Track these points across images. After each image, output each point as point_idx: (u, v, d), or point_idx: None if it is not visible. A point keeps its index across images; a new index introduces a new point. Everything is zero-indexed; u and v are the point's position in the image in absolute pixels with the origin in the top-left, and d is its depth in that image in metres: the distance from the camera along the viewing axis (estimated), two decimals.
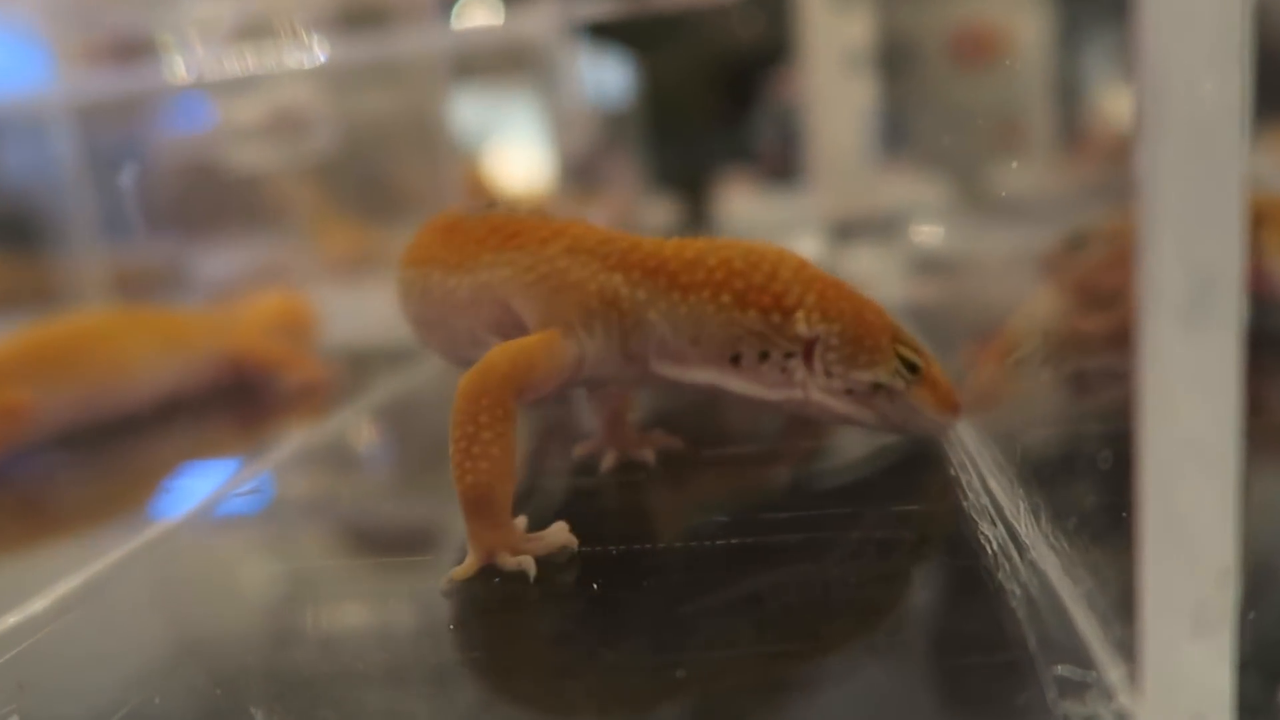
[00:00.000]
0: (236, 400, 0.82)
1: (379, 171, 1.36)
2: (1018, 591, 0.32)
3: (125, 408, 0.74)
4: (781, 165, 1.66)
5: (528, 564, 0.37)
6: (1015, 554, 0.34)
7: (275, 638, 0.38)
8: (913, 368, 0.42)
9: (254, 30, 1.06)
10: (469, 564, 0.38)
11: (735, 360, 0.41)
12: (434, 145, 1.22)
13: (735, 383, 0.42)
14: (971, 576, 0.34)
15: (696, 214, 1.70)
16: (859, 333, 0.41)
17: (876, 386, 0.41)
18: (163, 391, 0.78)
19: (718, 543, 0.39)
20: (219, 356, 0.83)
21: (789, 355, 0.41)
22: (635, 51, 1.68)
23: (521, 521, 0.39)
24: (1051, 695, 0.26)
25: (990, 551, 0.35)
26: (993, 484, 0.40)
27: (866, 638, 0.31)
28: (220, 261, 1.28)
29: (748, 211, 1.71)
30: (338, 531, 0.50)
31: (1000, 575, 0.33)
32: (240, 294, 1.04)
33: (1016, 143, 1.40)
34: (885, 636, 0.31)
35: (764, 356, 0.41)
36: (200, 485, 0.59)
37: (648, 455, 0.49)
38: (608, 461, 0.49)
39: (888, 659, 0.30)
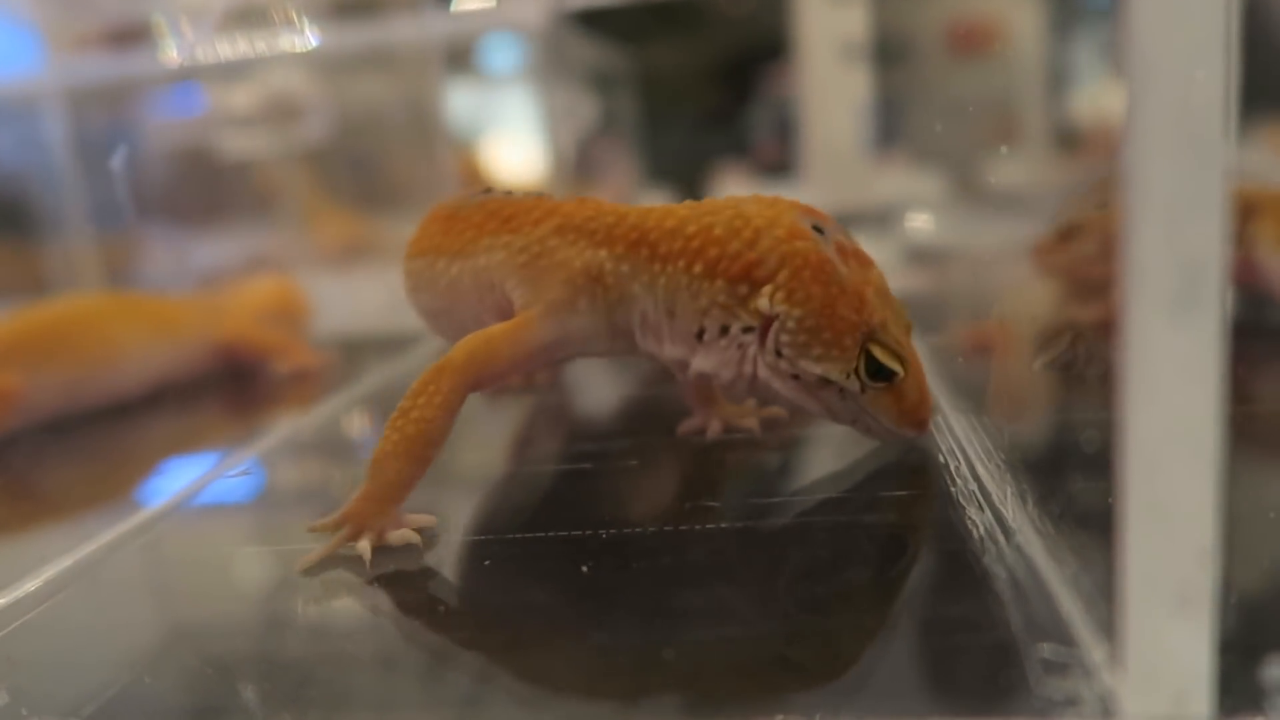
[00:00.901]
0: (228, 386, 0.82)
1: (373, 159, 1.35)
2: (1003, 574, 0.32)
3: (116, 393, 0.74)
4: (777, 158, 1.66)
5: (363, 550, 0.38)
6: (1002, 538, 0.35)
7: (265, 620, 0.38)
8: (881, 374, 0.40)
9: (247, 15, 1.06)
10: (328, 520, 0.39)
11: (700, 335, 0.41)
12: (429, 133, 1.21)
13: (699, 359, 0.41)
14: (958, 560, 0.34)
15: None
16: (819, 324, 0.39)
17: (826, 381, 0.40)
18: (153, 377, 0.77)
19: (707, 527, 0.39)
20: (210, 342, 0.83)
21: (746, 330, 0.40)
22: (631, 43, 1.67)
23: (420, 520, 0.40)
24: (1036, 675, 0.26)
25: (977, 536, 0.35)
26: (980, 470, 0.41)
27: (854, 620, 0.32)
28: (211, 248, 1.28)
29: None
30: (327, 514, 0.50)
31: (986, 559, 0.34)
32: (232, 280, 1.04)
33: (1011, 135, 1.40)
34: (873, 619, 0.32)
35: (724, 331, 0.40)
36: (190, 470, 0.59)
37: (752, 424, 0.50)
38: (713, 430, 0.49)
39: (875, 641, 0.30)
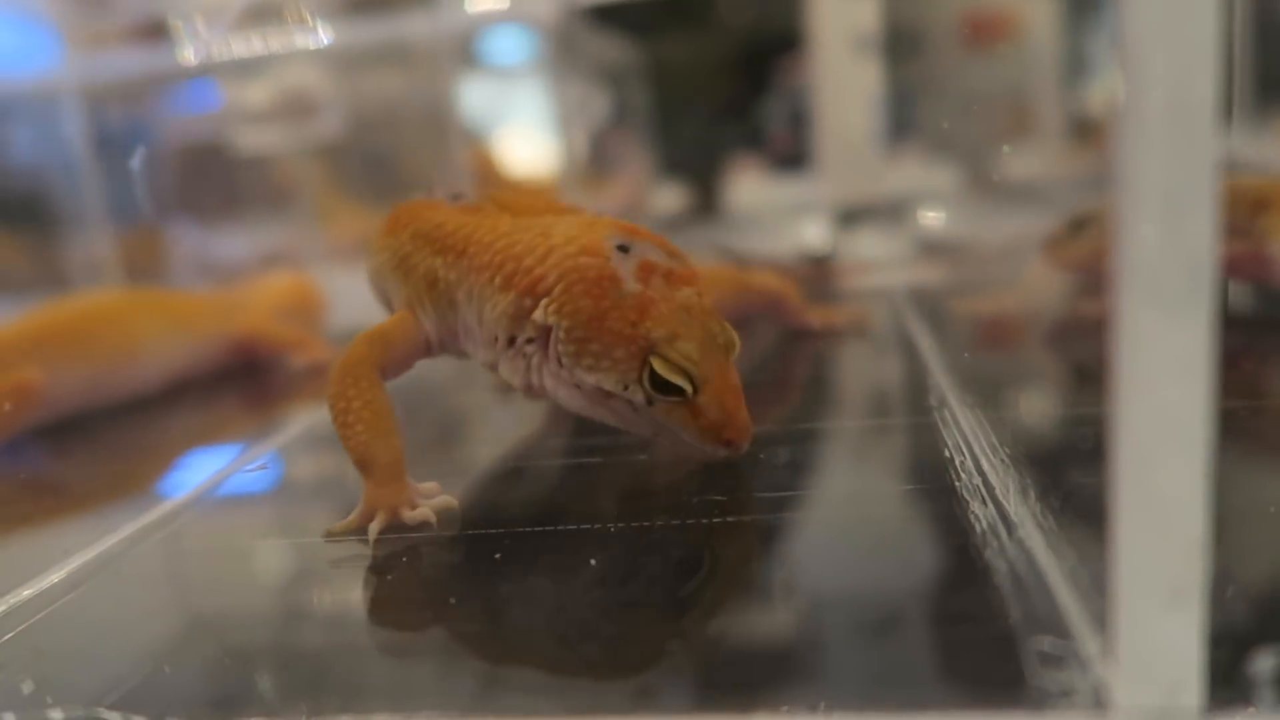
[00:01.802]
0: (245, 381, 0.83)
1: (387, 155, 1.36)
2: (1004, 568, 0.33)
3: (135, 388, 0.75)
4: (791, 151, 1.66)
5: (371, 530, 0.41)
6: (1004, 532, 0.35)
7: (283, 611, 0.39)
8: (671, 388, 0.39)
9: (262, 13, 1.07)
10: (350, 520, 0.42)
11: (496, 342, 0.43)
12: (443, 128, 1.22)
13: (501, 367, 0.44)
14: (961, 554, 0.35)
15: (706, 200, 1.71)
16: (588, 334, 0.39)
17: (606, 392, 0.40)
18: (172, 372, 0.79)
19: (714, 520, 0.39)
20: (228, 338, 0.84)
21: (529, 341, 0.41)
22: (644, 36, 1.67)
23: (429, 487, 0.43)
24: (1032, 667, 0.27)
25: (980, 530, 0.36)
26: (985, 465, 0.41)
27: (857, 612, 0.32)
28: (228, 244, 1.29)
29: (757, 197, 1.71)
30: (345, 509, 0.51)
31: (988, 553, 0.34)
32: (248, 276, 1.05)
33: (1025, 127, 1.40)
34: (875, 611, 0.32)
35: (511, 341, 0.42)
36: (210, 464, 0.60)
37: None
38: None
39: (877, 633, 0.31)
